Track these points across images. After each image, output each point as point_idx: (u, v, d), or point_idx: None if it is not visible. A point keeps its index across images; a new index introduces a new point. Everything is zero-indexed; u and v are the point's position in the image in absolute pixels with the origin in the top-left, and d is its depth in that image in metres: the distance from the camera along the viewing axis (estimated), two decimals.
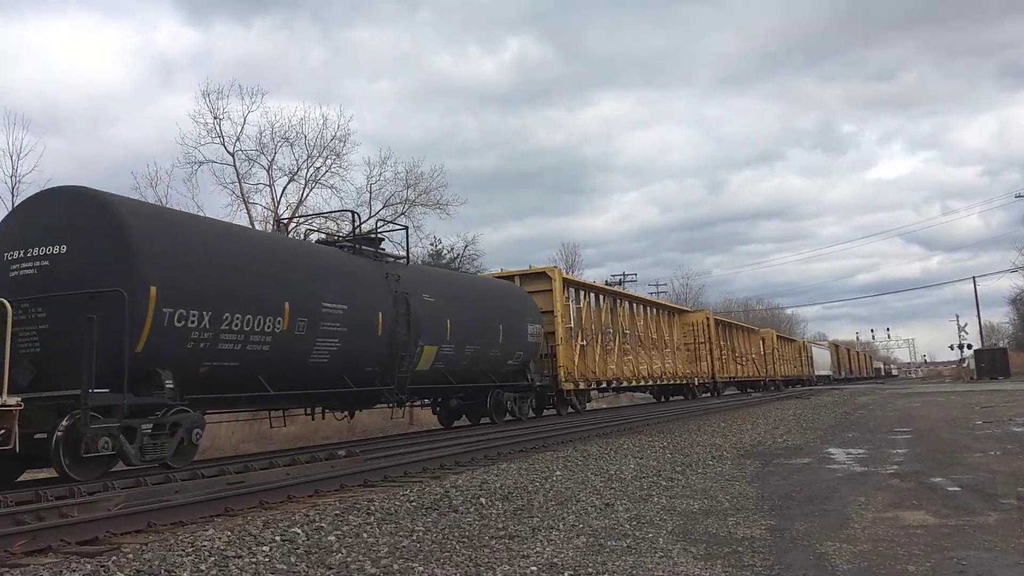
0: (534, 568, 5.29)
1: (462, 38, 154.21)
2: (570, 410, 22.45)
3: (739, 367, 43.16)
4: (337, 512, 7.17)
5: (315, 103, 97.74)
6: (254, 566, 5.29)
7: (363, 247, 14.95)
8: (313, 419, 15.78)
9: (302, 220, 25.68)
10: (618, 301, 27.75)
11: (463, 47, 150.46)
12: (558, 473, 9.90)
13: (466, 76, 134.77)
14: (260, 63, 79.21)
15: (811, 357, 66.40)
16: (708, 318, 37.74)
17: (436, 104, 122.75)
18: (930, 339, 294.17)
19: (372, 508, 7.37)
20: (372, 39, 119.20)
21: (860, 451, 12.47)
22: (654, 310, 31.69)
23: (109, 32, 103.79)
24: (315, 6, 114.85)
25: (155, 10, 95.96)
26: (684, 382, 33.22)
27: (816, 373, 66.68)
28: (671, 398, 35.37)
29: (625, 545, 6.01)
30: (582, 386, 22.71)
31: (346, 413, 15.70)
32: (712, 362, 37.00)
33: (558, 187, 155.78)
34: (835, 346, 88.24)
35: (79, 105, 73.18)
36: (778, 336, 56.48)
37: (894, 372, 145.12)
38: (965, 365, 76.10)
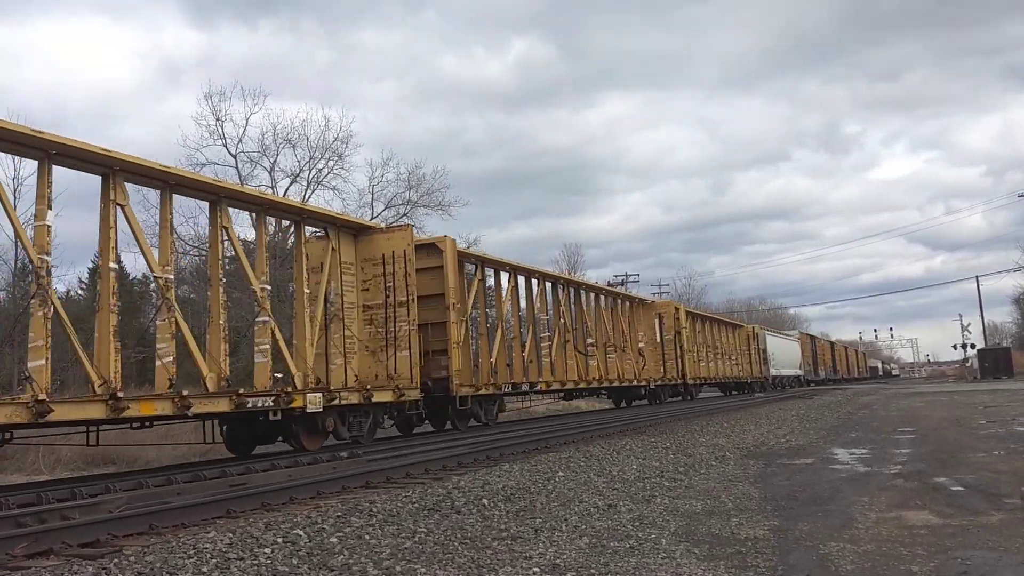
0: (536, 569, 5.27)
1: (467, 39, 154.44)
2: None
3: (596, 364, 24.49)
4: (339, 514, 7.17)
5: (318, 105, 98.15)
6: (256, 568, 5.28)
7: None
8: None
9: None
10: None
11: (468, 48, 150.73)
12: (560, 474, 9.89)
13: (471, 77, 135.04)
14: (266, 65, 79.55)
15: (764, 351, 47.94)
16: (454, 252, 17.27)
17: (441, 105, 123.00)
18: (933, 339, 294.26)
19: (374, 510, 7.36)
20: (377, 40, 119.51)
21: (863, 451, 12.44)
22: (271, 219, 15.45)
23: (116, 34, 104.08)
24: (320, 7, 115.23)
25: (162, 12, 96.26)
26: (367, 400, 13.86)
27: (776, 373, 50.22)
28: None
29: (628, 546, 5.99)
30: None
31: None
32: (455, 358, 16.47)
33: (563, 188, 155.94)
34: (809, 338, 68.51)
35: (85, 106, 73.42)
36: (691, 314, 35.84)
37: (895, 372, 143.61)
38: (968, 365, 75.92)
